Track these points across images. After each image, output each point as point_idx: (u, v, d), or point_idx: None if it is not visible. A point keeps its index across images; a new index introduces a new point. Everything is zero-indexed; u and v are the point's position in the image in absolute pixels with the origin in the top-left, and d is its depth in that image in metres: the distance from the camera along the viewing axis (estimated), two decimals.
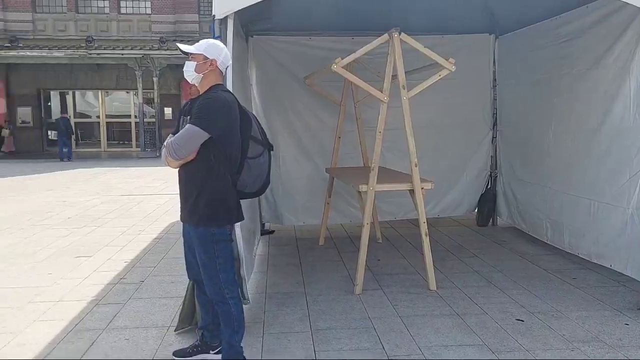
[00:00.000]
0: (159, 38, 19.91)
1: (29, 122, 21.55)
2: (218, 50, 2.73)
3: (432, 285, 4.16)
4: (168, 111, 21.75)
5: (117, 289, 4.26)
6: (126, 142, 22.67)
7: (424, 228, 4.20)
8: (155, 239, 6.16)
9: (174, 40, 20.79)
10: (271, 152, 2.91)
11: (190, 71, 2.69)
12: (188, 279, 3.12)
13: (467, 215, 6.67)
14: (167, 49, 19.02)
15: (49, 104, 22.51)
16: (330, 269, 4.83)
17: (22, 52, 18.55)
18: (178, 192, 2.77)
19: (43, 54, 18.69)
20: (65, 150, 18.31)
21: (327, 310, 3.75)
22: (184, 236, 2.87)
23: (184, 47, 2.72)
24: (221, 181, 2.64)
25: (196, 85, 2.72)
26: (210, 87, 2.71)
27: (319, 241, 5.72)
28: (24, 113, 21.52)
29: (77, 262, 5.08)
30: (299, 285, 4.32)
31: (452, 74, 4.17)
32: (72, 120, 22.31)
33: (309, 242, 5.85)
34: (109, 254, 5.39)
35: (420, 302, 3.89)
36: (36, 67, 20.26)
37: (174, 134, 2.74)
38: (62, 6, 21.72)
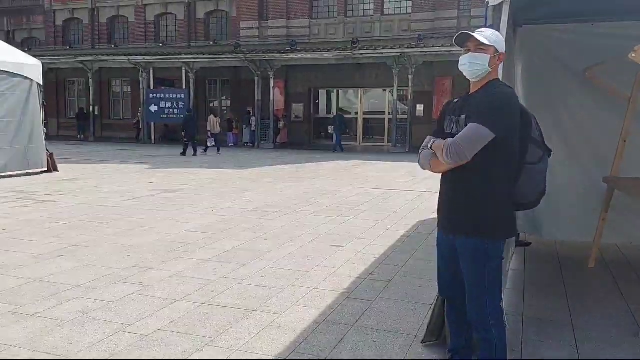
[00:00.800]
0: (417, 36, 20.19)
1: (301, 117, 24.35)
2: (503, 42, 2.44)
3: None
4: (420, 108, 21.98)
5: (366, 285, 4.32)
6: (379, 137, 23.75)
7: None
8: (403, 236, 6.15)
9: (431, 38, 20.90)
10: (549, 157, 2.48)
11: (479, 64, 2.39)
12: (438, 294, 2.89)
13: None
14: (424, 47, 19.18)
15: (317, 101, 25.03)
16: (605, 299, 4.05)
17: (299, 55, 20.94)
18: (440, 198, 2.55)
19: (315, 55, 20.80)
20: (338, 143, 20.49)
21: (604, 353, 3.10)
22: (439, 247, 2.63)
23: (480, 37, 2.41)
24: (500, 188, 2.34)
25: (471, 80, 2.45)
26: (487, 83, 2.41)
27: (589, 263, 4.88)
28: (297, 109, 24.39)
29: (332, 251, 5.35)
30: (564, 313, 3.71)
31: None
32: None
33: (575, 262, 5.06)
34: (360, 247, 5.56)
35: None
36: (309, 67, 22.71)
37: (435, 135, 2.53)
38: (333, 11, 23.87)
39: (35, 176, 11.25)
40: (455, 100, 2.58)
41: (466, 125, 2.32)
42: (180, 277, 4.42)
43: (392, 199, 8.84)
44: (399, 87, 20.40)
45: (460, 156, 2.28)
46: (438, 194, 2.59)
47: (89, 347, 3.06)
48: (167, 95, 24.09)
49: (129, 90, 27.68)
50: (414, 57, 19.65)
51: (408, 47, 19.53)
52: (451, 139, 2.33)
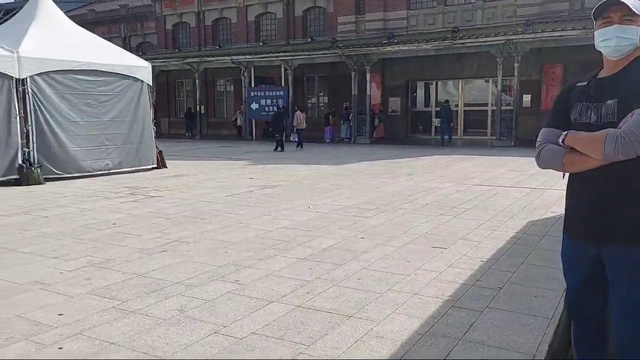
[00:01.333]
0: (524, 22, 18.85)
1: (398, 111, 23.85)
2: None
3: None
4: (527, 99, 20.59)
5: (473, 292, 3.94)
6: (481, 130, 22.60)
7: None
8: (512, 237, 5.63)
9: (540, 23, 19.42)
10: None
11: (629, 39, 1.99)
12: (564, 312, 2.47)
13: None
14: (532, 32, 17.85)
15: (415, 94, 24.36)
16: None
17: (397, 47, 20.46)
18: (576, 200, 2.14)
19: (413, 47, 20.21)
20: (445, 137, 19.94)
21: None
22: (570, 259, 2.19)
23: (632, 5, 2.00)
24: None
25: (613, 57, 2.03)
26: (634, 59, 1.99)
27: None
28: (394, 103, 23.91)
29: (433, 253, 5.01)
30: None
31: None
32: (432, 109, 23.71)
33: None
34: (464, 249, 5.15)
35: None
36: (406, 60, 22.14)
37: (555, 125, 2.13)
38: (432, 1, 23.06)
39: (146, 172, 11.94)
40: (583, 84, 2.15)
41: (620, 110, 1.90)
42: (275, 277, 4.32)
43: (498, 197, 8.22)
44: (503, 76, 19.21)
45: (637, 148, 1.88)
46: (567, 195, 2.20)
47: (185, 349, 3.02)
48: (266, 93, 24.70)
49: (232, 89, 28.76)
50: (521, 44, 18.37)
51: (514, 34, 18.31)
52: (613, 129, 1.92)
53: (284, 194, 8.70)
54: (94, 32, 13.84)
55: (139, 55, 14.13)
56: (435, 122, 21.72)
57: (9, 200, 8.20)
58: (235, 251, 5.11)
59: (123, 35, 34.57)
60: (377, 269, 4.50)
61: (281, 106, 20.55)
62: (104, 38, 14.38)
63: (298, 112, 19.72)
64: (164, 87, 30.39)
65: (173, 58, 27.26)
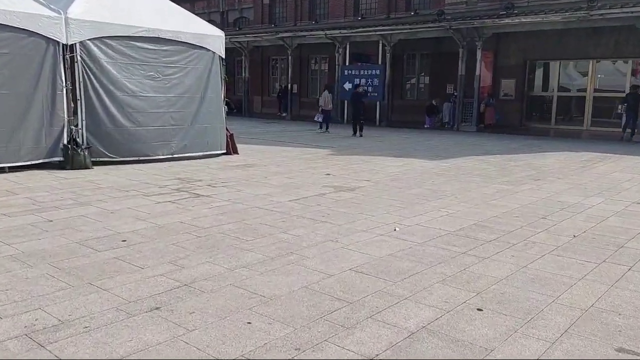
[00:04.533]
0: None
1: (511, 95, 20.54)
2: None
3: None
4: None
5: None
6: (615, 121, 18.75)
7: None
8: None
9: None
10: None
11: None
12: None
13: None
14: None
15: (531, 76, 20.86)
16: None
17: (516, 20, 17.28)
18: None
19: (537, 19, 16.91)
20: (628, 130, 16.18)
21: None
22: None
23: None
24: None
25: None
26: None
27: None
28: (507, 85, 20.61)
29: None
30: None
31: None
32: (555, 94, 20.14)
33: None
34: None
35: None
36: (525, 35, 18.82)
37: None
38: None
39: (211, 159, 10.33)
40: None
41: None
42: None
43: None
44: None
45: None
46: None
47: None
48: (361, 72, 22.49)
49: (326, 68, 26.85)
50: None
51: None
52: None
53: (363, 202, 6.57)
54: (193, 7, 12.36)
55: (235, 31, 12.56)
56: (620, 109, 17.28)
57: (31, 190, 6.83)
58: (265, 323, 3.09)
59: (221, 10, 33.81)
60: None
61: (357, 85, 18.73)
62: (203, 13, 12.87)
63: (325, 92, 18.38)
64: (258, 64, 29.17)
65: (266, 33, 25.81)
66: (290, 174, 8.65)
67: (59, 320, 3.05)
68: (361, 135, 16.20)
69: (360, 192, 7.16)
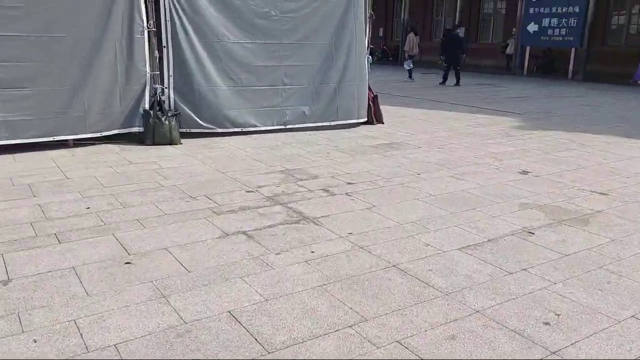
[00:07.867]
0: None
1: None
2: None
3: None
4: None
5: None
6: None
7: None
8: None
9: None
10: None
11: None
12: None
13: None
14: None
15: None
16: None
17: None
18: None
19: None
20: None
21: None
22: None
23: None
24: None
25: None
26: None
27: None
28: None
29: None
30: None
31: None
32: None
33: None
34: None
35: None
36: None
37: None
38: None
39: (345, 131, 7.43)
40: None
41: None
42: None
43: None
44: None
45: None
46: None
47: None
48: (554, 9, 17.53)
49: (504, 6, 21.97)
50: None
51: None
52: None
53: (621, 259, 3.12)
54: None
55: None
56: None
57: (62, 186, 4.60)
58: None
59: None
60: None
61: (455, 26, 15.42)
62: None
63: (411, 35, 16.11)
64: (420, 2, 25.14)
65: None
66: (459, 169, 5.39)
67: None
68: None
69: (603, 228, 3.68)
